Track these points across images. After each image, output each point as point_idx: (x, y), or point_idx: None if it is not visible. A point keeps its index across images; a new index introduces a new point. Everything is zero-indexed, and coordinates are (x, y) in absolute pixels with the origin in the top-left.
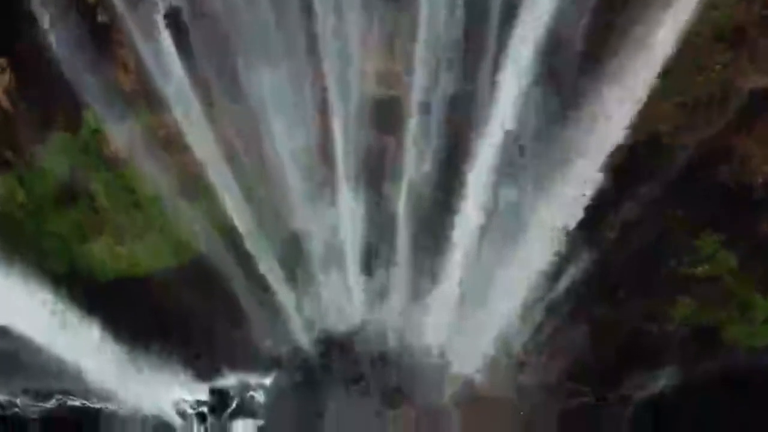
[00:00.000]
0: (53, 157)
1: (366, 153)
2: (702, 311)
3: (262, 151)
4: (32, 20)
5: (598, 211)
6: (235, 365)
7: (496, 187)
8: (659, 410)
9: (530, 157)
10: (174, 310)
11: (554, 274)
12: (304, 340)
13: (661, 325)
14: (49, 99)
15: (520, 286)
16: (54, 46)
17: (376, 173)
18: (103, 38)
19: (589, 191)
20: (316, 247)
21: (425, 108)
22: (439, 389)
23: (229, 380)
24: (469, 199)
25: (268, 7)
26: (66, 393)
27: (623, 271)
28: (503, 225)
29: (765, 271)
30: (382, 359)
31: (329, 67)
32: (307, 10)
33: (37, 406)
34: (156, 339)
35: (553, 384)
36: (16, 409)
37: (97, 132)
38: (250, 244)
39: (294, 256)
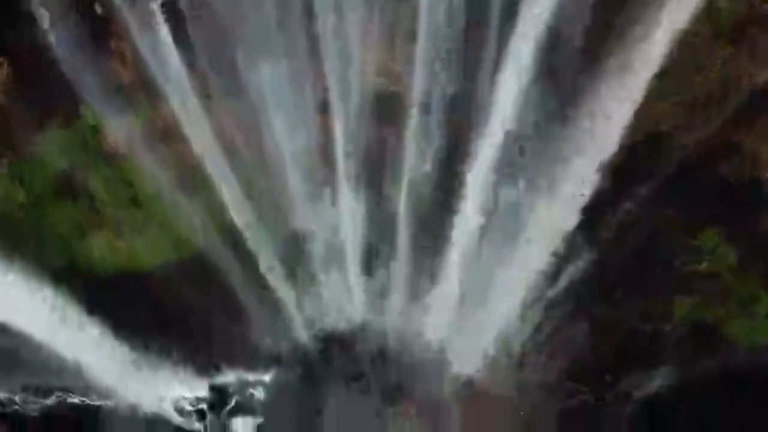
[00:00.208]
0: (52, 151)
1: (366, 150)
2: (702, 308)
3: (262, 145)
4: (29, 15)
5: (597, 210)
6: (234, 362)
7: (495, 187)
8: (659, 409)
9: (529, 156)
10: (174, 306)
11: (553, 274)
12: (304, 337)
13: (661, 324)
14: (46, 93)
15: (520, 286)
16: (51, 39)
17: (376, 172)
18: (101, 31)
19: (588, 190)
20: (316, 246)
21: (425, 104)
22: (439, 387)
23: (228, 377)
24: (469, 199)
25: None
26: (65, 390)
27: (622, 270)
28: (503, 225)
29: (766, 267)
30: (383, 357)
31: (329, 60)
32: (308, 4)
33: (37, 403)
34: (156, 335)
35: (552, 383)
36: (16, 407)
37: (95, 126)
38: (250, 240)
39: (294, 254)
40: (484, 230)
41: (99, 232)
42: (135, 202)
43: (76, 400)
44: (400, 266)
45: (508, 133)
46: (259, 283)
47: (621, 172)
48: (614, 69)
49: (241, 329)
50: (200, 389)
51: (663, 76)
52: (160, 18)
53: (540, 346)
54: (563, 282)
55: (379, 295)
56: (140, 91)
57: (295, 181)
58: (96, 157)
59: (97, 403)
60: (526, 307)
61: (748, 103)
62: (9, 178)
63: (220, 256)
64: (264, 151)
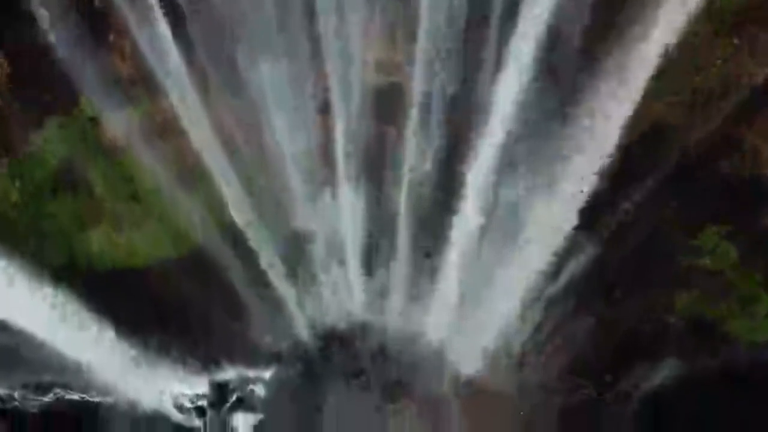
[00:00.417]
0: (51, 144)
1: (366, 149)
2: (702, 305)
3: (263, 144)
4: (29, 15)
5: (597, 209)
6: (234, 359)
7: (495, 186)
8: (660, 406)
9: (529, 154)
10: (173, 303)
11: (553, 273)
12: (304, 335)
13: (662, 321)
14: (45, 87)
15: (519, 285)
16: (50, 34)
17: (376, 172)
18: (100, 25)
19: (588, 188)
20: (316, 244)
21: (426, 101)
22: (439, 385)
23: (228, 374)
24: (469, 198)
25: None
26: (65, 387)
27: (622, 268)
28: (503, 224)
29: (767, 265)
30: (383, 354)
31: (330, 59)
32: (309, 4)
33: (37, 399)
34: (155, 332)
35: (554, 379)
36: (16, 403)
37: (93, 118)
38: (250, 237)
39: (295, 252)
40: (483, 230)
41: (98, 226)
42: (134, 197)
43: (75, 396)
44: (400, 266)
45: (508, 133)
46: (259, 280)
47: (621, 170)
48: (613, 68)
49: (241, 326)
50: (200, 386)
51: (662, 75)
52: (158, 13)
53: (540, 345)
54: (563, 280)
55: (379, 294)
56: (139, 85)
57: (295, 180)
58: (95, 150)
59: (97, 399)
60: (526, 306)
61: (748, 101)
62: (9, 176)
63: (220, 252)
64: (264, 149)
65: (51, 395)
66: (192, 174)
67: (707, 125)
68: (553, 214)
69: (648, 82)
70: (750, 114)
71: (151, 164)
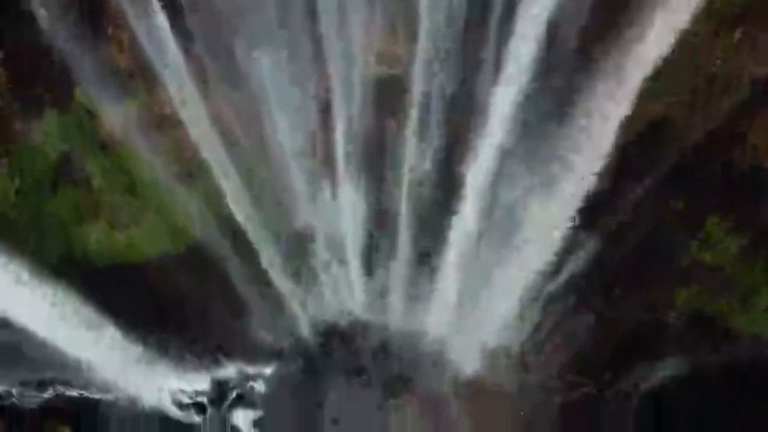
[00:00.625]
0: (50, 138)
1: (367, 142)
2: (703, 300)
3: (262, 135)
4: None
5: (596, 207)
6: (234, 355)
7: (495, 186)
8: (661, 402)
9: (527, 154)
10: (173, 298)
11: (553, 272)
12: (305, 332)
13: (662, 318)
14: (43, 79)
15: (518, 285)
16: (47, 27)
17: (376, 171)
18: (97, 17)
19: (587, 187)
20: (317, 243)
21: (425, 100)
22: (440, 383)
23: (228, 371)
24: (468, 199)
25: None
26: (65, 384)
27: (622, 266)
28: (502, 224)
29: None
30: (384, 352)
31: (330, 50)
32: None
33: (37, 396)
34: (154, 328)
35: (553, 378)
36: (14, 400)
37: (90, 112)
38: (250, 232)
39: (296, 250)
40: (483, 230)
41: (96, 221)
42: (132, 190)
43: (74, 393)
44: (400, 266)
45: (507, 134)
46: (260, 278)
47: (620, 169)
48: (611, 69)
49: (241, 323)
50: (200, 383)
51: (661, 75)
52: (156, 5)
53: (539, 346)
54: (563, 277)
55: (379, 293)
56: (137, 77)
57: (295, 179)
58: (92, 143)
59: (96, 396)
60: (525, 306)
61: (749, 99)
62: (8, 176)
63: (219, 248)
64: (264, 142)
65: (50, 391)
66: (191, 167)
67: (707, 123)
68: (552, 214)
69: (646, 83)
70: (751, 112)
71: (149, 157)
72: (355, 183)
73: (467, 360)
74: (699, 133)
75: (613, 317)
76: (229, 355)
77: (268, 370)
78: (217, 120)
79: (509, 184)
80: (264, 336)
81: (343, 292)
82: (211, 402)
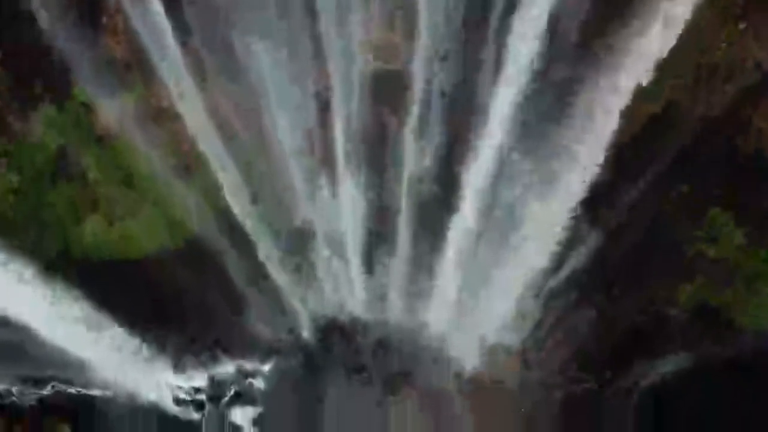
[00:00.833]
0: (50, 130)
1: (365, 135)
2: (707, 292)
3: (261, 127)
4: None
5: (597, 200)
6: (233, 352)
7: (494, 185)
8: (664, 397)
9: (527, 153)
10: (170, 293)
11: (554, 268)
12: (305, 327)
13: (665, 310)
14: (38, 73)
15: (518, 282)
16: (44, 18)
17: (377, 166)
18: (93, 7)
19: (588, 180)
20: (317, 237)
21: (426, 98)
22: (440, 380)
23: (226, 367)
24: (467, 199)
25: None
26: (64, 381)
27: (625, 259)
28: (501, 222)
29: None
30: (384, 348)
31: (330, 46)
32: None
33: (35, 394)
34: (152, 324)
35: (554, 374)
36: (13, 398)
37: (87, 106)
38: (249, 227)
39: (296, 247)
40: (482, 228)
41: (93, 215)
42: (129, 183)
43: (72, 390)
44: (400, 263)
45: (507, 133)
46: (258, 272)
47: (622, 160)
48: (612, 61)
49: (240, 318)
50: (198, 379)
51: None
52: None
53: (540, 342)
54: (564, 273)
55: (379, 290)
56: (135, 69)
57: (295, 176)
58: (88, 137)
59: (94, 393)
60: (525, 301)
61: (754, 85)
62: (7, 175)
63: (217, 242)
64: (263, 141)
65: (49, 389)
66: (189, 161)
67: (711, 109)
68: (552, 212)
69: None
70: (755, 96)
71: (146, 150)
72: (355, 180)
73: (467, 356)
74: (702, 119)
75: (615, 313)
76: (228, 350)
77: (267, 366)
78: (214, 113)
79: (509, 182)
80: (263, 331)
81: (343, 289)
82: (210, 399)
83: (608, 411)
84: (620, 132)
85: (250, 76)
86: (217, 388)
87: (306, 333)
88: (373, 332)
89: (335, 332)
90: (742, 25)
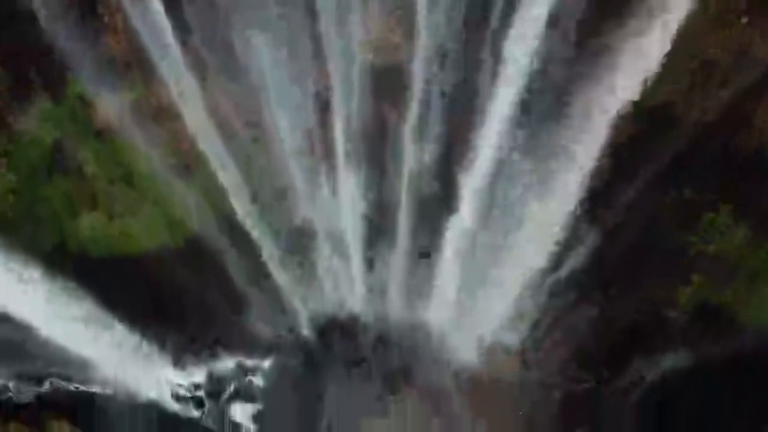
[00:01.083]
0: (46, 124)
1: (365, 130)
2: (707, 291)
3: (262, 129)
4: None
5: (595, 200)
6: (233, 348)
7: (492, 185)
8: (664, 395)
9: (526, 153)
10: (170, 291)
11: (553, 267)
12: (304, 327)
13: (665, 309)
14: (36, 70)
15: (516, 281)
16: (44, 17)
17: (377, 162)
18: (94, 8)
19: (586, 180)
20: (318, 235)
21: (426, 97)
22: (439, 376)
23: (226, 363)
24: (465, 199)
25: None
26: (63, 378)
27: (623, 258)
28: (500, 222)
29: None
30: (383, 343)
31: (330, 43)
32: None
33: (34, 390)
34: (152, 321)
35: (553, 372)
36: (10, 394)
37: (85, 102)
38: (249, 226)
39: (297, 244)
40: (480, 228)
41: (91, 212)
42: (129, 181)
43: (70, 387)
44: (399, 262)
45: (506, 134)
46: (259, 270)
47: (620, 160)
48: (611, 61)
49: (240, 316)
50: (198, 376)
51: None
52: None
53: (538, 342)
54: (564, 272)
55: (379, 287)
56: (134, 67)
57: (295, 175)
58: (86, 133)
59: (92, 390)
60: (524, 301)
61: (756, 80)
62: (7, 175)
63: (217, 240)
64: (263, 140)
65: (47, 385)
66: (188, 159)
67: (711, 107)
68: (551, 212)
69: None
70: (756, 94)
71: (146, 148)
72: (355, 179)
73: (467, 355)
74: (702, 117)
75: (614, 312)
76: (228, 348)
77: (267, 363)
78: (214, 112)
79: (508, 181)
80: (262, 328)
81: (343, 287)
82: (209, 395)
83: (607, 410)
84: (618, 132)
85: (251, 75)
86: (216, 384)
87: (306, 331)
88: (373, 329)
89: (335, 330)
90: (744, 19)
